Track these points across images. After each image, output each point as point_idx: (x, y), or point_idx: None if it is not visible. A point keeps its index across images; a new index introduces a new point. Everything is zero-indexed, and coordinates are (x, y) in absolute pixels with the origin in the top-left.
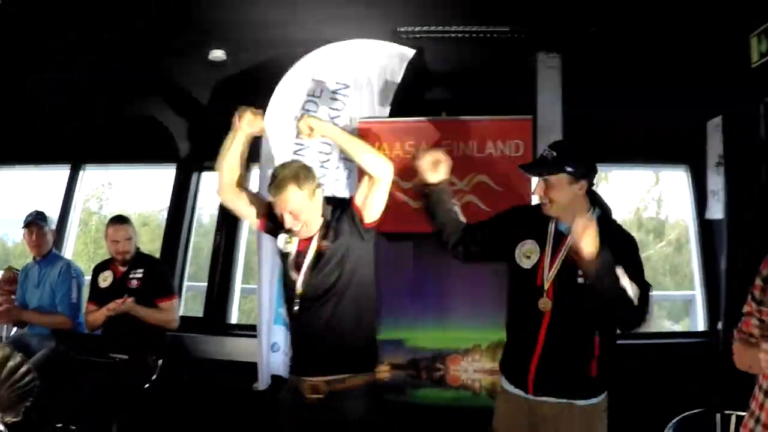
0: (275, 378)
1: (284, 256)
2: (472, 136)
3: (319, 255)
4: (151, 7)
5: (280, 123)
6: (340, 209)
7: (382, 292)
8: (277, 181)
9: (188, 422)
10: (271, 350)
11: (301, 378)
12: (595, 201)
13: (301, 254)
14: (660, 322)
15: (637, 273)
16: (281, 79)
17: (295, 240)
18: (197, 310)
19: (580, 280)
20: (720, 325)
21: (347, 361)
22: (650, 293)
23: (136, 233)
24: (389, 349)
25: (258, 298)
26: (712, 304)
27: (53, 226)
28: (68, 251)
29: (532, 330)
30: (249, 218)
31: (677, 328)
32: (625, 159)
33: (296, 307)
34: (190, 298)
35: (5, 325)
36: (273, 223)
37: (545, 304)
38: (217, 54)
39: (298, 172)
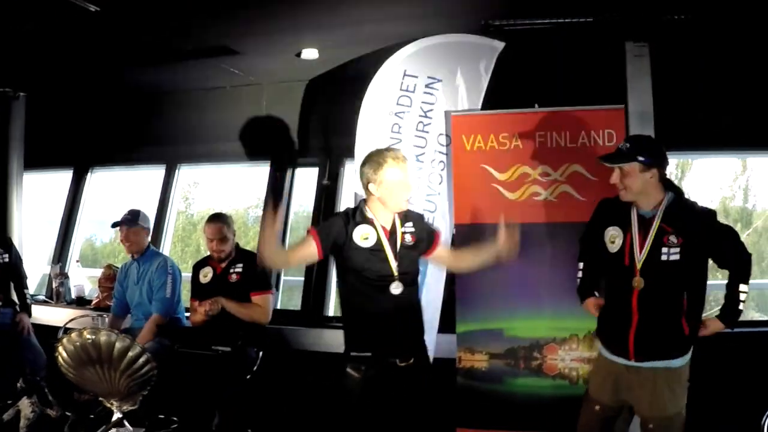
0: None
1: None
2: (565, 126)
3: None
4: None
5: (375, 118)
6: (425, 221)
7: (481, 283)
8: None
9: (288, 412)
10: None
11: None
12: (669, 187)
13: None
14: (746, 312)
15: (732, 244)
16: (373, 75)
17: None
18: (295, 304)
19: (664, 257)
20: None
21: None
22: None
23: (233, 230)
24: (488, 338)
25: None
26: None
27: (149, 224)
28: (165, 250)
29: (625, 304)
30: (311, 259)
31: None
32: (714, 146)
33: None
34: (288, 292)
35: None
36: (327, 245)
37: (638, 282)
38: (310, 53)
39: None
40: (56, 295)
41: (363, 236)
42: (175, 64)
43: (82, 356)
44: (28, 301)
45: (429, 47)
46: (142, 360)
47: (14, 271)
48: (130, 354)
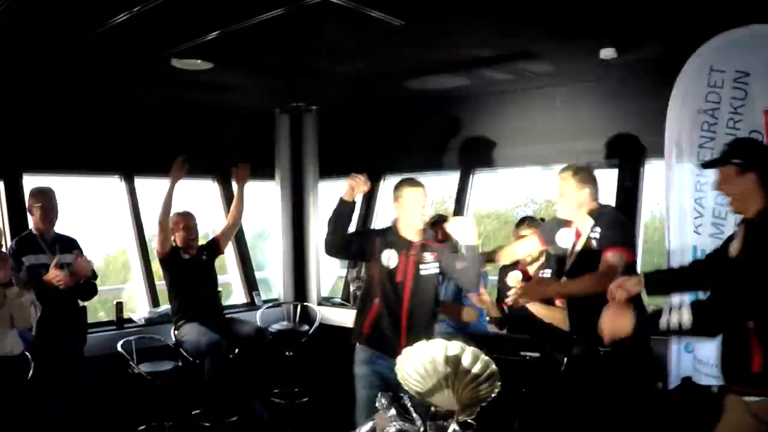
0: (684, 380)
1: None
2: None
3: None
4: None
5: (684, 117)
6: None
7: None
8: None
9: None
10: (684, 350)
11: None
12: None
13: None
14: None
15: None
16: (675, 72)
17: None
18: None
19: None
20: None
21: None
22: None
23: None
24: None
25: None
26: None
27: None
28: None
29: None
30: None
31: None
32: None
33: None
34: None
35: None
36: None
37: None
38: (608, 52)
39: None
40: (353, 297)
41: None
42: (472, 70)
43: (428, 369)
44: None
45: (735, 40)
46: (489, 371)
47: None
48: (476, 367)
